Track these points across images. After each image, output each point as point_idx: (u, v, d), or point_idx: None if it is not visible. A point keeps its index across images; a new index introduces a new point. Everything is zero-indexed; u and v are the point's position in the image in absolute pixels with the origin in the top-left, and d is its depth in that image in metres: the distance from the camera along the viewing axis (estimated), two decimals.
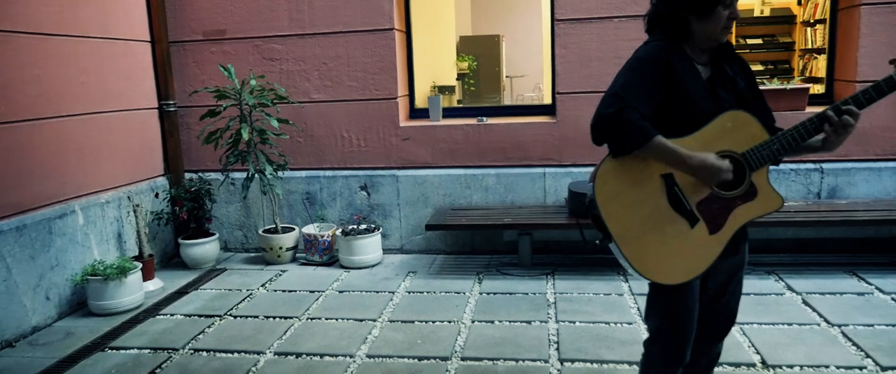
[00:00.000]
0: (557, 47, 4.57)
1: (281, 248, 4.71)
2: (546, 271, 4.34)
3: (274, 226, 4.81)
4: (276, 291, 4.19)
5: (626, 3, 4.37)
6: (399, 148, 4.82)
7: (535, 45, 10.99)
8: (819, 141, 1.93)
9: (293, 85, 4.87)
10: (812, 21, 8.69)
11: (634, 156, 1.89)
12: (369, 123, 4.84)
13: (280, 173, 4.71)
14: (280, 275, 4.50)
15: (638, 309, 3.63)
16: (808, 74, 8.77)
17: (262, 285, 4.29)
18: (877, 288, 3.79)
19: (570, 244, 4.67)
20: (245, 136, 4.37)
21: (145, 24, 4.75)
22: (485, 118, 4.77)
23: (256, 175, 4.58)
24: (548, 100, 5.38)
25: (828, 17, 4.72)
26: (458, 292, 4.02)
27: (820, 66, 8.41)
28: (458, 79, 9.62)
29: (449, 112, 5.14)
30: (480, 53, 10.49)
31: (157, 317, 3.79)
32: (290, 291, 4.17)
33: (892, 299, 3.63)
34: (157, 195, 4.75)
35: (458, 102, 9.37)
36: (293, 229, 4.85)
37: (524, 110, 5.14)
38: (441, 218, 4.41)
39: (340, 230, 4.62)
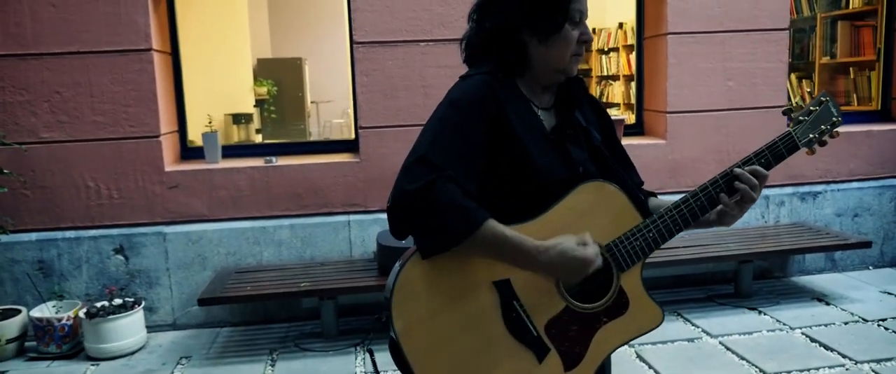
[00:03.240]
0: (358, 75, 3.92)
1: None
2: (355, 341, 3.62)
3: None
4: None
5: (433, 25, 3.84)
6: (165, 198, 3.84)
7: (341, 69, 10.31)
8: (714, 214, 1.45)
9: (13, 121, 3.69)
10: (606, 49, 9.01)
11: (453, 253, 1.26)
12: (124, 169, 3.80)
13: None
14: None
15: None
16: (606, 100, 9.08)
17: None
18: (704, 331, 3.58)
19: (381, 305, 3.99)
20: None
21: None
22: (274, 159, 3.97)
23: None
24: (350, 134, 4.71)
25: (635, 45, 4.60)
26: None
27: (616, 92, 8.73)
28: (256, 106, 8.66)
29: (231, 151, 4.26)
30: (282, 77, 9.64)
31: None
32: None
33: (721, 343, 3.43)
34: None
35: (257, 131, 8.43)
36: (19, 311, 3.63)
37: (324, 147, 4.41)
38: (220, 286, 3.51)
39: (84, 311, 3.52)
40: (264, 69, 9.58)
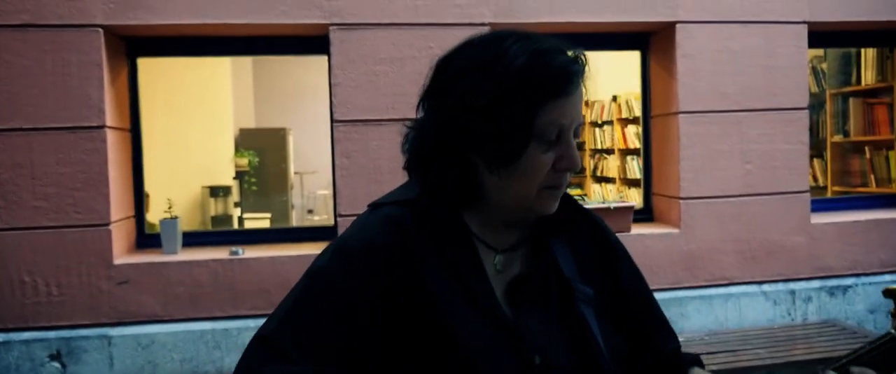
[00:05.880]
0: (338, 156, 3.51)
1: None
2: None
3: None
4: None
5: None
6: (113, 295, 3.34)
7: (327, 139, 9.99)
8: None
9: None
10: (600, 122, 8.76)
11: None
12: (67, 261, 3.31)
13: None
14: None
15: None
16: (599, 174, 8.76)
17: None
18: None
19: None
20: None
21: None
22: (241, 250, 3.50)
23: None
24: (330, 219, 4.28)
25: (642, 124, 4.24)
26: None
27: (611, 166, 8.42)
28: (236, 178, 8.29)
29: (195, 239, 3.78)
30: (264, 147, 9.33)
31: None
32: None
33: None
34: None
35: (236, 204, 8.03)
36: None
37: (298, 235, 3.96)
38: None
39: None
40: (247, 139, 9.28)
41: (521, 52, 0.90)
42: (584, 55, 0.94)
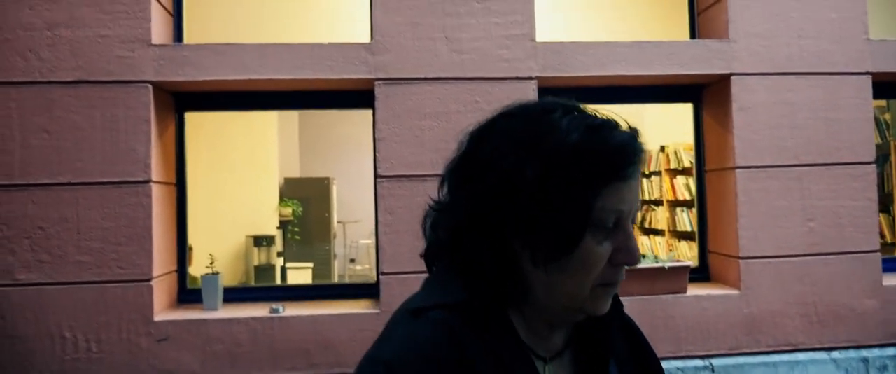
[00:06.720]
0: (381, 212, 3.43)
1: None
2: None
3: None
4: None
5: None
6: (151, 353, 3.28)
7: (371, 188, 10.02)
8: None
9: None
10: (648, 173, 8.55)
11: None
12: (107, 317, 3.28)
13: None
14: None
15: None
16: (648, 226, 8.51)
17: None
18: None
19: None
20: None
21: None
22: (281, 308, 3.42)
23: None
24: (372, 270, 4.19)
25: (696, 178, 4.06)
26: None
27: (660, 217, 8.17)
28: (279, 227, 8.35)
29: (234, 295, 3.72)
30: (308, 197, 9.41)
31: None
32: None
33: None
34: None
35: (279, 254, 8.06)
36: None
37: (340, 292, 3.86)
38: None
39: None
40: (291, 188, 9.38)
41: (573, 127, 0.80)
42: (638, 130, 0.84)
